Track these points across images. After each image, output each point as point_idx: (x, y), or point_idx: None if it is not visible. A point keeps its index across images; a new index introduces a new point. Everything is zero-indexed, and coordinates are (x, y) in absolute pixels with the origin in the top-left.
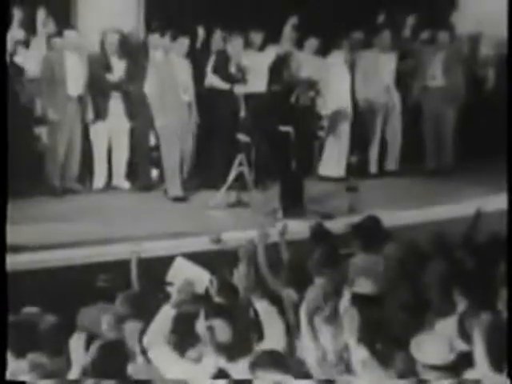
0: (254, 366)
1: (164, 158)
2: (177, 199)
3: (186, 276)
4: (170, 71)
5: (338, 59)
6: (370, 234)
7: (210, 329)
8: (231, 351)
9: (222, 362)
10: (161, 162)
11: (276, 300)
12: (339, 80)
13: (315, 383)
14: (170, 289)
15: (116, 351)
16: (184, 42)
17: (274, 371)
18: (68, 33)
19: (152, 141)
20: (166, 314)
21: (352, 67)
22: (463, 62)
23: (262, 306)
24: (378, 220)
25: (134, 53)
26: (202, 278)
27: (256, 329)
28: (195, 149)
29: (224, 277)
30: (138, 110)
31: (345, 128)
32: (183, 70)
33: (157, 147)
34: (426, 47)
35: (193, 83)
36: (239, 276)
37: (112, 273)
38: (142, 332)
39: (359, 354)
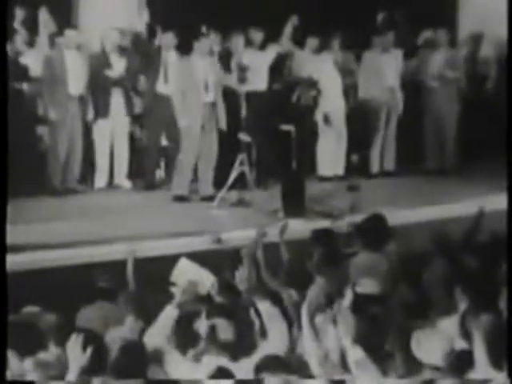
0: (258, 370)
1: (180, 157)
2: (178, 198)
3: (190, 277)
4: (190, 71)
5: (327, 59)
6: (373, 232)
7: (212, 328)
8: (233, 350)
9: (224, 362)
10: (166, 162)
11: (278, 300)
12: (330, 80)
13: (322, 383)
14: (173, 289)
15: (137, 352)
16: (206, 42)
17: (279, 374)
18: (69, 32)
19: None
20: (169, 314)
21: (341, 67)
22: (464, 61)
23: (264, 307)
24: (382, 218)
25: (140, 51)
26: (205, 279)
27: (258, 329)
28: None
29: (225, 277)
30: (148, 109)
31: (340, 128)
32: (205, 70)
33: (164, 148)
34: (426, 47)
35: (216, 83)
36: (240, 277)
37: (112, 273)
38: (143, 331)
39: (355, 354)
